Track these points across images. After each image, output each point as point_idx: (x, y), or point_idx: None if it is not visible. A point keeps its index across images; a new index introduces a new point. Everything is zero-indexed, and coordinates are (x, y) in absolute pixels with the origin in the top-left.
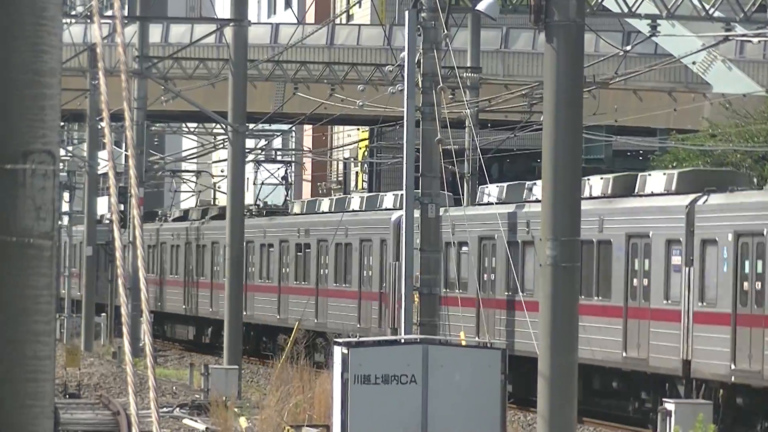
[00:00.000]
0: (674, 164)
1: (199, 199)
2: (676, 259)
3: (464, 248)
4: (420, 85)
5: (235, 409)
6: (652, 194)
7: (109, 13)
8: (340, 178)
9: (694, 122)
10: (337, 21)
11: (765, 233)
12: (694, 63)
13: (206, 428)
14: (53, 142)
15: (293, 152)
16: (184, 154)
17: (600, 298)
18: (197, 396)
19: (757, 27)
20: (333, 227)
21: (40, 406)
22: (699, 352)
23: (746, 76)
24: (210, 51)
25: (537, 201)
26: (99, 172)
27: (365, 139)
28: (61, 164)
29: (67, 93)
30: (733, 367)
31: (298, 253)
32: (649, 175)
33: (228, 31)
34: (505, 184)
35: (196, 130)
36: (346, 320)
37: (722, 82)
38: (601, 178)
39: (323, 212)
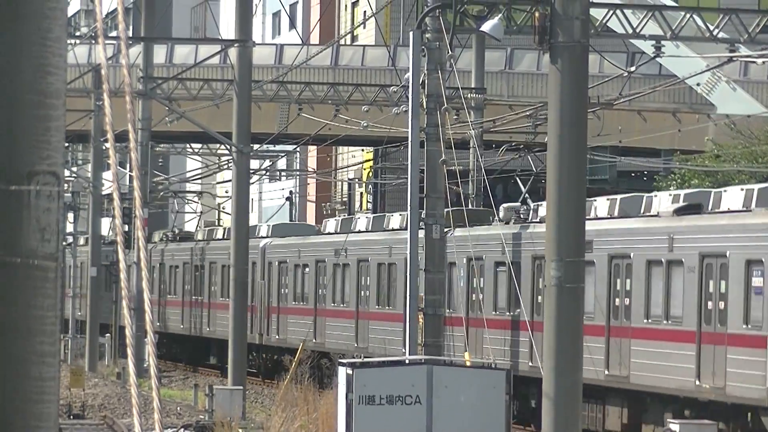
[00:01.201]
0: (680, 185)
1: (203, 220)
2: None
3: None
4: (424, 106)
5: (240, 430)
6: None
7: (114, 34)
8: (344, 199)
9: (698, 143)
10: (342, 42)
11: (484, 258)
12: (698, 84)
13: None
14: (58, 163)
15: (298, 173)
16: (188, 174)
17: (381, 306)
18: (202, 416)
19: (762, 48)
20: (221, 252)
21: (45, 427)
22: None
23: (750, 97)
24: (214, 72)
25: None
26: (103, 193)
27: (370, 160)
28: (65, 185)
29: (71, 114)
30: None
31: (196, 273)
32: None
33: (232, 52)
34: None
35: (201, 150)
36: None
37: (726, 103)
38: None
39: (217, 239)
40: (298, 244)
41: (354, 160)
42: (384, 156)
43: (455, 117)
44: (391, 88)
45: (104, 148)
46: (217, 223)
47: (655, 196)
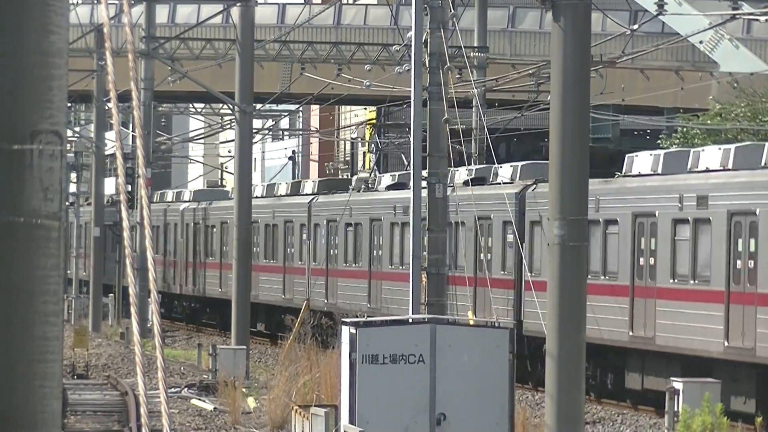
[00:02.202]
0: (683, 143)
1: (206, 180)
2: (305, 236)
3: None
4: (427, 65)
5: (243, 390)
6: (306, 194)
7: None
8: (347, 158)
9: (701, 101)
10: (344, 1)
11: (338, 220)
12: (701, 42)
13: (214, 408)
14: (61, 123)
15: (300, 132)
16: (191, 134)
17: (267, 260)
18: (205, 376)
19: (764, 5)
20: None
21: (48, 386)
22: (314, 293)
23: (753, 55)
24: (217, 31)
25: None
26: (106, 153)
27: (372, 119)
28: (68, 145)
29: (74, 74)
30: (325, 301)
31: (132, 232)
32: (306, 182)
33: (235, 11)
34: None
35: (203, 110)
36: (161, 280)
37: (729, 60)
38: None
39: (155, 202)
40: (206, 208)
41: (357, 119)
42: (387, 115)
43: (458, 76)
44: (394, 47)
45: (107, 108)
46: (219, 183)
47: (457, 170)
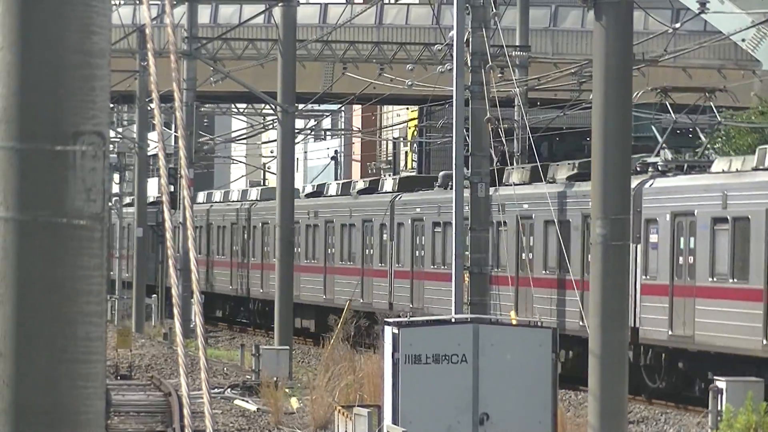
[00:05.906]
0: (725, 141)
1: (249, 180)
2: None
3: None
4: (469, 64)
5: (286, 390)
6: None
7: None
8: (389, 158)
9: (743, 99)
10: (386, 0)
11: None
12: (743, 40)
13: (257, 409)
14: (103, 123)
15: (343, 132)
16: (233, 134)
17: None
18: (248, 377)
19: None
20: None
21: (92, 387)
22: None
23: None
24: (259, 31)
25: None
26: (149, 154)
27: (414, 119)
28: (111, 146)
29: (116, 74)
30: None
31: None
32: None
33: (277, 11)
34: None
35: (246, 110)
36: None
37: None
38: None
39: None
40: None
41: (399, 119)
42: (428, 115)
43: (500, 75)
44: (436, 46)
45: (149, 108)
46: (262, 183)
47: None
